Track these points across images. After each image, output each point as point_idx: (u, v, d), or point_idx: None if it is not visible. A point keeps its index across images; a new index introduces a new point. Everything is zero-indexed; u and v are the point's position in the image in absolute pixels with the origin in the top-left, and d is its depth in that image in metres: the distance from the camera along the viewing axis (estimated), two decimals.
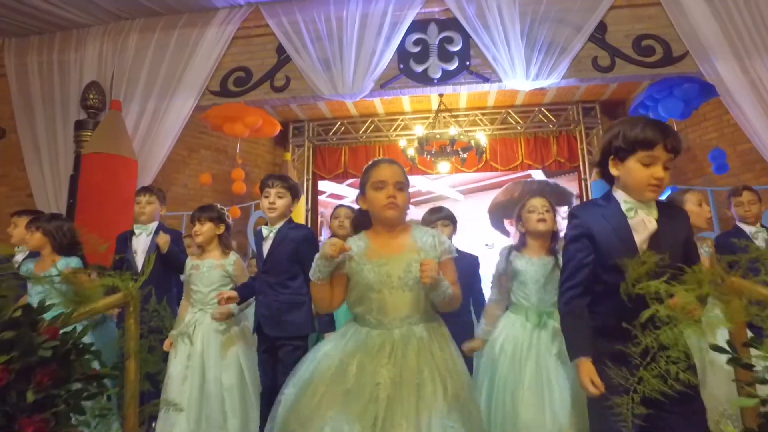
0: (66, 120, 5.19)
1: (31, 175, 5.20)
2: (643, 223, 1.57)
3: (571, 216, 1.71)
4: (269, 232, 2.56)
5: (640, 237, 1.57)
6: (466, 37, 4.81)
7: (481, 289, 2.98)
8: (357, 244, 1.80)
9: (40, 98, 5.34)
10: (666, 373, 1.13)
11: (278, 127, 5.46)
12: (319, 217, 7.34)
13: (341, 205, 3.37)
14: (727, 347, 1.12)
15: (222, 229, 2.84)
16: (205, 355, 2.56)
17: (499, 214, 6.81)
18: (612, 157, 1.65)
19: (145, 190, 3.35)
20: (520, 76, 4.67)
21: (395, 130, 7.17)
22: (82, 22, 5.40)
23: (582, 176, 6.79)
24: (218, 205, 2.88)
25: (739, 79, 4.35)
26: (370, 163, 1.89)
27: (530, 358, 2.11)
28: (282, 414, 1.62)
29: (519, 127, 6.94)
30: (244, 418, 2.55)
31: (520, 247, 2.39)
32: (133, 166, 4.72)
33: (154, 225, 3.26)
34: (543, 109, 6.88)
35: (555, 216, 2.35)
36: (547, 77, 4.65)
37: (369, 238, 1.82)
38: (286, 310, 2.42)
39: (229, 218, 2.92)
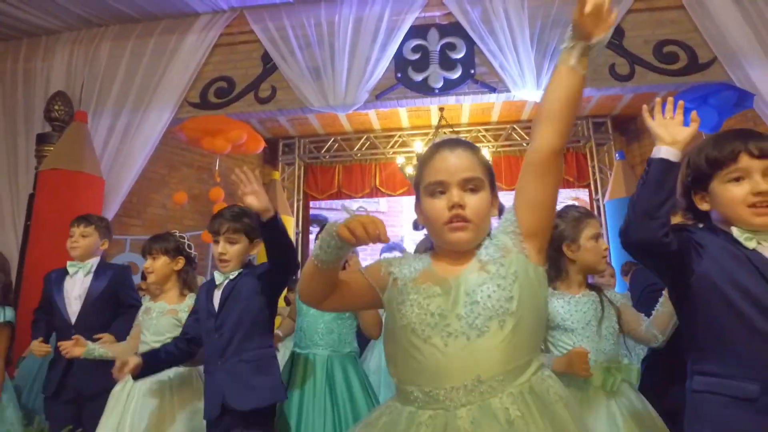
0: (28, 133, 4.73)
1: None
2: None
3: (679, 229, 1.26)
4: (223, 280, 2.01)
5: None
6: (470, 44, 4.41)
7: None
8: (412, 265, 1.14)
9: (1, 109, 4.88)
10: None
11: (262, 143, 4.99)
12: (310, 241, 6.83)
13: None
14: None
15: (180, 263, 2.29)
16: None
17: None
18: (693, 193, 1.31)
19: (81, 219, 2.68)
20: (530, 85, 4.25)
21: (393, 146, 6.72)
22: (52, 28, 4.98)
23: (593, 196, 6.33)
24: (177, 233, 2.34)
25: None
26: (429, 147, 1.21)
27: None
28: None
29: (525, 144, 6.50)
30: None
31: (554, 281, 1.80)
32: (98, 185, 4.23)
33: (93, 262, 2.63)
34: None
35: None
36: None
37: (432, 260, 1.15)
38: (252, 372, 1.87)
39: (191, 249, 2.36)
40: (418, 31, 4.50)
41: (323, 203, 7.08)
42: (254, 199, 1.67)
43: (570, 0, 4.28)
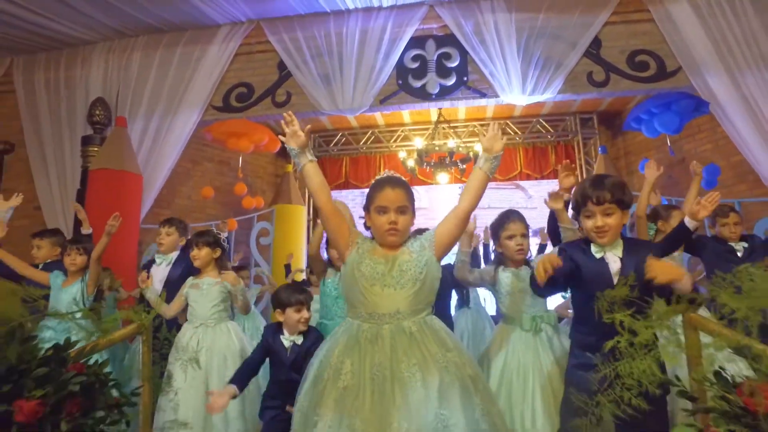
0: (73, 135, 5.31)
1: (39, 188, 5.30)
2: (611, 261, 1.87)
3: (560, 250, 1.96)
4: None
5: (612, 272, 1.85)
6: (464, 53, 4.92)
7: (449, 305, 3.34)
8: (365, 243, 1.88)
9: (48, 114, 5.46)
10: (620, 399, 1.27)
11: (279, 144, 5.57)
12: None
13: None
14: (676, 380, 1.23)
15: (218, 253, 3.00)
16: (209, 371, 2.68)
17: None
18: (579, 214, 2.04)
19: (166, 222, 3.51)
20: (517, 91, 4.77)
21: (395, 141, 7.28)
22: (88, 39, 5.51)
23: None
24: (214, 230, 3.02)
25: (731, 94, 4.44)
26: (375, 181, 1.92)
27: (534, 371, 2.28)
28: (296, 418, 1.73)
29: (518, 138, 7.04)
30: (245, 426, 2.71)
31: (505, 261, 2.57)
32: (138, 181, 4.83)
33: (174, 255, 3.44)
34: (541, 120, 6.97)
35: (529, 240, 2.54)
36: (543, 92, 4.75)
37: (374, 244, 1.89)
38: None
39: (225, 241, 3.06)
40: (417, 42, 5.02)
41: (332, 192, 7.67)
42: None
43: (552, 15, 4.81)
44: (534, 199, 7.07)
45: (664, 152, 6.02)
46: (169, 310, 2.94)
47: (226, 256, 3.15)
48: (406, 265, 1.77)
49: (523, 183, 7.22)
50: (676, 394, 1.15)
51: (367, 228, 1.94)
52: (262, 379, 2.76)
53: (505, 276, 2.50)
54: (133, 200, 4.68)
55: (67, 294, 2.91)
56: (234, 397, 2.20)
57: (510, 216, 2.54)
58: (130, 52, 5.46)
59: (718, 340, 1.03)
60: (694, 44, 4.57)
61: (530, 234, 2.57)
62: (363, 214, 1.96)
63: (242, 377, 2.35)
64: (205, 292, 2.88)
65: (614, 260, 1.86)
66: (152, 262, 3.50)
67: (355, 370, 1.66)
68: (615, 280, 1.78)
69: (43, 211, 5.24)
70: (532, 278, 1.89)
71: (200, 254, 2.94)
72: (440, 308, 2.66)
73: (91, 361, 1.20)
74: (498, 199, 7.16)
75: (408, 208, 1.84)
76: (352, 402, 1.60)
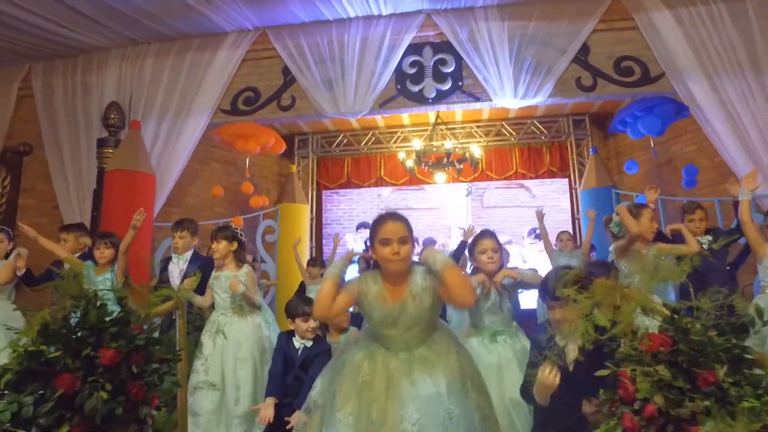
0: (89, 137, 5.61)
1: (57, 188, 5.61)
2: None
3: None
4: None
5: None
6: (459, 59, 5.21)
7: None
8: (372, 287, 2.07)
9: (65, 117, 5.77)
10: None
11: (284, 146, 5.88)
12: (324, 226, 7.74)
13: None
14: None
15: (235, 246, 3.34)
16: (225, 350, 3.04)
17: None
18: None
19: (177, 226, 3.91)
20: (509, 95, 5.06)
21: (395, 141, 7.56)
22: (103, 46, 5.82)
23: (573, 185, 7.15)
24: (232, 226, 3.32)
25: (710, 98, 4.71)
26: (377, 218, 2.12)
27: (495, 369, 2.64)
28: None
29: (512, 139, 7.31)
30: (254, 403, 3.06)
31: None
32: (151, 181, 5.13)
33: (189, 254, 3.87)
34: (535, 122, 7.24)
35: (502, 255, 2.87)
36: (534, 96, 5.03)
37: (382, 281, 2.08)
38: None
39: (242, 236, 3.36)
40: (414, 48, 5.31)
41: (334, 192, 7.97)
42: None
43: (543, 23, 5.08)
44: (538, 198, 7.32)
45: (650, 152, 6.31)
46: (204, 301, 3.32)
47: (243, 249, 3.47)
48: (412, 309, 1.99)
49: (527, 183, 7.49)
50: (605, 349, 1.42)
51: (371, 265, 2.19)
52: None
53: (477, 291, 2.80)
54: (147, 199, 4.97)
55: (100, 282, 3.23)
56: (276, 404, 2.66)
57: (483, 234, 2.92)
58: (143, 58, 5.76)
59: (634, 303, 1.31)
60: (676, 51, 4.85)
61: (531, 234, 2.96)
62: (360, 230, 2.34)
63: (275, 388, 2.77)
64: (223, 284, 3.20)
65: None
66: (169, 259, 3.89)
67: (373, 369, 1.95)
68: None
69: (61, 210, 5.54)
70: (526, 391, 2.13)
71: (219, 247, 3.27)
72: None
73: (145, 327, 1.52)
74: (503, 199, 7.48)
75: (408, 238, 2.03)
76: (368, 393, 1.90)
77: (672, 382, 1.17)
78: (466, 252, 3.20)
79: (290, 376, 2.80)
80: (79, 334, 1.45)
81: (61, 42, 5.64)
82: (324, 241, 7.66)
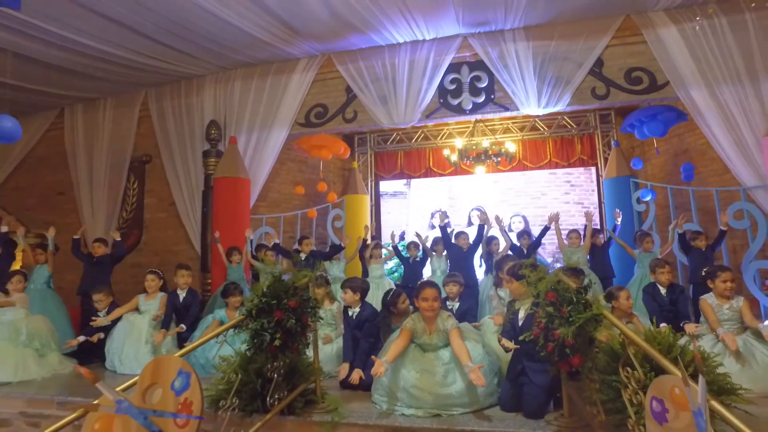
0: (194, 149, 7.07)
1: (173, 189, 7.15)
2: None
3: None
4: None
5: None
6: (491, 76, 6.21)
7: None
8: (417, 324, 3.38)
9: (175, 133, 7.25)
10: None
11: (348, 152, 7.16)
12: (382, 213, 9.03)
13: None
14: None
15: (328, 289, 4.66)
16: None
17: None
18: None
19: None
20: (533, 104, 6.03)
21: (441, 138, 8.65)
22: (198, 73, 7.20)
23: (599, 172, 8.02)
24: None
25: (709, 104, 5.48)
26: (420, 283, 3.51)
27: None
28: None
29: (546, 132, 8.23)
30: None
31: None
32: (248, 184, 6.54)
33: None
34: (565, 117, 8.11)
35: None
36: (555, 105, 5.99)
37: (421, 320, 3.38)
38: None
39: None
40: (454, 67, 6.34)
41: (389, 181, 9.23)
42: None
43: (562, 41, 5.98)
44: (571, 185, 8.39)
45: (668, 143, 7.12)
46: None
47: (331, 290, 4.76)
48: (437, 341, 3.35)
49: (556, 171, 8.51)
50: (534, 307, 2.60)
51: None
52: None
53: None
54: (245, 198, 6.40)
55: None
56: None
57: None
58: (232, 82, 7.10)
59: (547, 281, 2.49)
60: (680, 62, 5.61)
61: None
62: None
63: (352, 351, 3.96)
64: (326, 314, 4.54)
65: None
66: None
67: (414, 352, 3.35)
68: None
69: (177, 206, 7.08)
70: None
71: (318, 292, 4.31)
72: (466, 276, 4.32)
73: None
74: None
75: (438, 297, 3.37)
76: (413, 355, 3.25)
77: (552, 313, 2.42)
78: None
79: (349, 335, 4.01)
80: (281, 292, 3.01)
81: (167, 73, 7.06)
82: (381, 224, 8.96)
